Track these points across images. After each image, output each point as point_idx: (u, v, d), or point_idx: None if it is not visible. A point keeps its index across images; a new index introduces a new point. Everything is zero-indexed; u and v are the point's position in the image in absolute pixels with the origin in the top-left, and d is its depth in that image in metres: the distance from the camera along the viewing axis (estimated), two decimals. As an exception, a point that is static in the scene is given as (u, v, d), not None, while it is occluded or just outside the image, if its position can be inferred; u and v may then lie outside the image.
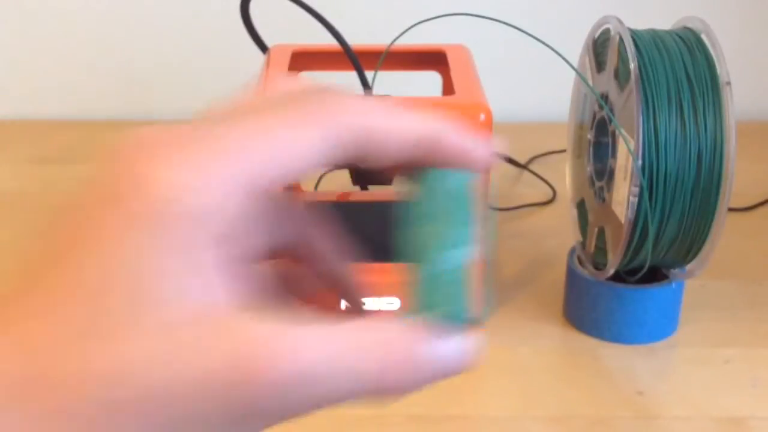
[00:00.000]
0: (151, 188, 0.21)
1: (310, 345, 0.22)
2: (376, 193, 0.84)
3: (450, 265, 0.24)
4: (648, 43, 0.63)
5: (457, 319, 0.24)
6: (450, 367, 0.24)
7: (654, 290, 0.67)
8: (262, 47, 0.78)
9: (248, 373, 0.21)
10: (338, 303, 0.29)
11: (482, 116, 0.68)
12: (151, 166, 0.21)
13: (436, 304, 0.24)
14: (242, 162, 0.21)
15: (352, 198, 0.85)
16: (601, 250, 0.67)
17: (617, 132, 0.63)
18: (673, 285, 0.67)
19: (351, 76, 0.73)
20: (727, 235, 0.64)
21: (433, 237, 0.24)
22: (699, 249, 0.65)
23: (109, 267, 0.21)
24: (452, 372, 0.24)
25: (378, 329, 0.23)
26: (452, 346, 0.24)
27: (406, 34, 0.71)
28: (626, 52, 0.61)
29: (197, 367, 0.21)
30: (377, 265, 0.52)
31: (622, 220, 0.62)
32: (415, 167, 0.25)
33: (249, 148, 0.21)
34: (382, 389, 0.23)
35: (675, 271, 0.67)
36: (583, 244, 0.71)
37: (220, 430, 0.21)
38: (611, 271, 0.65)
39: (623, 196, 0.62)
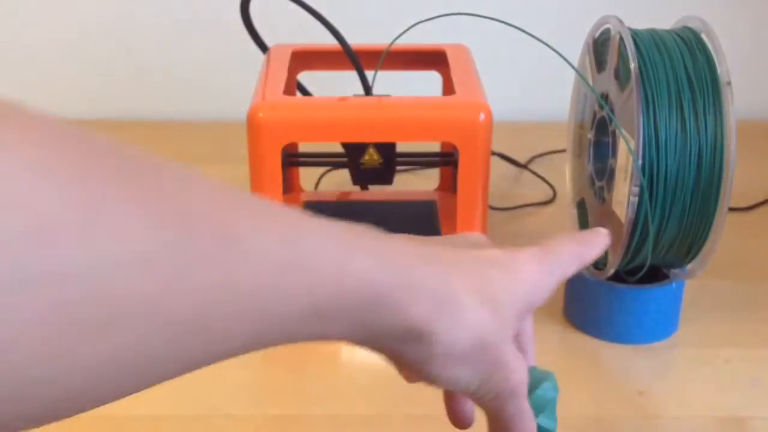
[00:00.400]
0: (516, 278, 0.40)
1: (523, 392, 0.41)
2: (376, 193, 0.84)
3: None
4: (648, 43, 0.63)
5: None
6: None
7: (654, 290, 0.67)
8: (262, 47, 0.78)
9: (508, 369, 0.39)
10: None
11: (482, 116, 0.68)
12: (520, 269, 0.41)
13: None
14: (528, 296, 0.41)
15: (352, 198, 0.85)
16: (601, 250, 0.67)
17: (617, 132, 0.63)
18: (673, 285, 0.67)
19: (351, 76, 0.73)
20: (727, 235, 0.64)
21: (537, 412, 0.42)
22: (699, 249, 0.65)
23: (499, 275, 0.39)
24: None
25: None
26: None
27: (406, 34, 0.71)
28: (626, 51, 0.61)
29: (500, 348, 0.38)
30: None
31: (622, 220, 0.62)
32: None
33: (530, 292, 0.41)
34: None
35: (675, 271, 0.67)
36: (583, 244, 0.71)
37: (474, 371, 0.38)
38: (611, 271, 0.65)
39: (623, 196, 0.62)
